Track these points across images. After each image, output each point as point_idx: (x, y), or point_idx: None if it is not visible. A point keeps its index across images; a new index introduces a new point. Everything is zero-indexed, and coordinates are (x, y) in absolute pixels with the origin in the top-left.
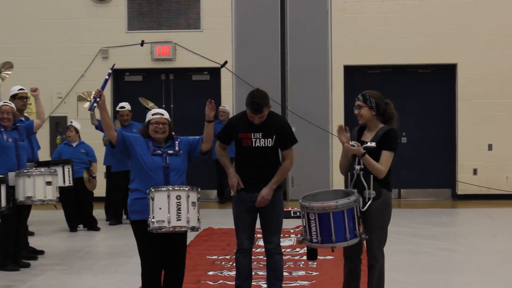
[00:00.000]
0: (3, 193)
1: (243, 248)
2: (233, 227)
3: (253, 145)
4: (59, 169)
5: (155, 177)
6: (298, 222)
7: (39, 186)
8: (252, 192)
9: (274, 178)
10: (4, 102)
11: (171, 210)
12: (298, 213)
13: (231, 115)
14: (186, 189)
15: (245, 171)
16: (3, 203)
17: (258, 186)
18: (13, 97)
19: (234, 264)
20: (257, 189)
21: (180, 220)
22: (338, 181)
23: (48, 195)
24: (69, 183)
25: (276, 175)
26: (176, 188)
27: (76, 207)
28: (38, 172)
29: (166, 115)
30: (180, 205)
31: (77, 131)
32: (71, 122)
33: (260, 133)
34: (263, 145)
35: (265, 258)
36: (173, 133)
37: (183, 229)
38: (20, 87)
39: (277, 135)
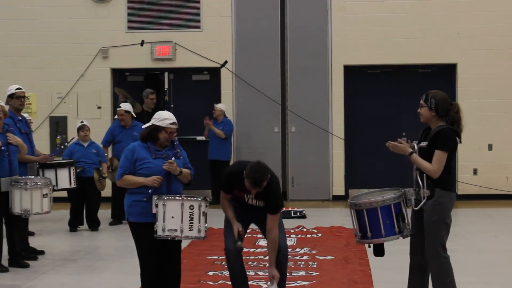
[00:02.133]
0: None
1: (227, 247)
2: None
3: (246, 201)
4: (65, 171)
5: None
6: (298, 222)
7: (36, 200)
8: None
9: (270, 257)
10: None
11: (184, 219)
12: (298, 213)
13: (230, 115)
14: (199, 199)
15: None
16: None
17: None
18: (11, 97)
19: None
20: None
21: (192, 230)
22: (338, 181)
23: (45, 207)
24: (74, 184)
25: (269, 253)
26: (189, 198)
27: (82, 208)
28: (35, 185)
29: (125, 107)
30: (192, 215)
31: (89, 130)
32: (82, 122)
33: (252, 194)
34: (255, 204)
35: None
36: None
37: (194, 239)
38: (17, 86)
39: (265, 199)
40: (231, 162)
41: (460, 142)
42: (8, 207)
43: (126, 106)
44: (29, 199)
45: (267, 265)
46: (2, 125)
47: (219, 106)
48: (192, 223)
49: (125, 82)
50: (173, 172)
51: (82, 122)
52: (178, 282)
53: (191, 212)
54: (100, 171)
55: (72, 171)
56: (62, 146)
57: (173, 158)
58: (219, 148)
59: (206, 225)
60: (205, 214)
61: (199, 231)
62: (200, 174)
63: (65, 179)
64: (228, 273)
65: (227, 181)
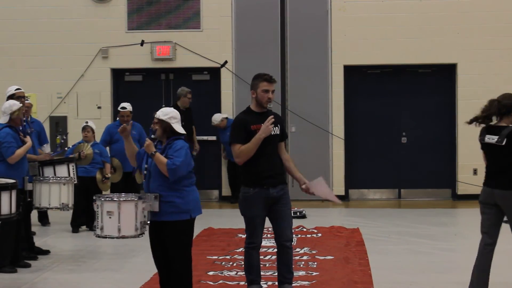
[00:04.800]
0: (14, 198)
1: (258, 243)
2: (233, 227)
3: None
4: (63, 167)
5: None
6: (298, 222)
7: (71, 193)
8: (267, 188)
9: (298, 174)
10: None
11: (121, 220)
12: (298, 213)
13: (230, 115)
14: (135, 199)
15: (258, 166)
16: (13, 209)
17: (272, 182)
18: (11, 97)
19: (245, 260)
20: (271, 185)
21: (130, 229)
22: (338, 181)
23: (64, 202)
24: (75, 180)
25: (296, 171)
26: (125, 199)
27: (84, 208)
28: (55, 180)
29: (130, 108)
30: (131, 215)
31: (93, 131)
32: (87, 123)
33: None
34: (274, 133)
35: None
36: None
37: (131, 237)
38: (16, 87)
39: (279, 125)
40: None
41: (501, 142)
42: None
43: (130, 106)
44: (66, 193)
45: (267, 265)
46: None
47: (215, 119)
48: (130, 222)
49: (124, 82)
50: (146, 150)
51: (86, 122)
52: (179, 282)
53: (130, 212)
54: (103, 172)
55: (71, 168)
56: (66, 148)
57: (152, 136)
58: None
59: (145, 220)
60: (143, 212)
61: (136, 229)
62: (207, 174)
63: (64, 175)
64: (228, 273)
65: (238, 125)
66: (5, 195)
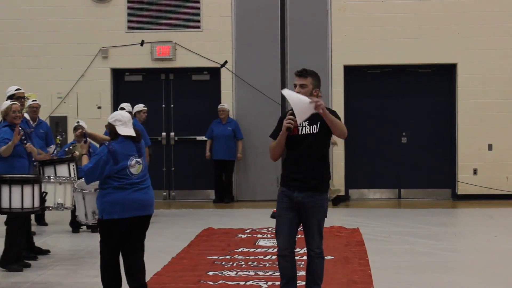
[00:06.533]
0: (37, 193)
1: (282, 247)
2: (233, 227)
3: (299, 133)
4: (64, 167)
5: None
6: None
7: (68, 194)
8: (292, 191)
9: (329, 116)
10: (11, 101)
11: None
12: None
13: (230, 115)
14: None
15: (288, 167)
16: (36, 203)
17: (297, 185)
18: (11, 98)
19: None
20: (297, 188)
21: (81, 215)
22: (338, 181)
23: (71, 202)
24: (75, 180)
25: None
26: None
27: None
28: (67, 180)
29: (128, 108)
30: (81, 203)
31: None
32: (78, 122)
33: (307, 121)
34: (309, 132)
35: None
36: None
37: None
38: (16, 87)
39: (321, 120)
40: (236, 162)
41: None
42: None
43: (129, 107)
44: (62, 193)
45: (267, 265)
46: (18, 124)
47: (226, 106)
48: (81, 209)
49: (124, 82)
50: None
51: (77, 122)
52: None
53: (79, 200)
54: None
55: (72, 167)
56: (66, 149)
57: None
58: (225, 148)
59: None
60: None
61: (86, 217)
62: (203, 174)
63: (65, 175)
64: (228, 273)
65: (279, 120)
66: (23, 189)
